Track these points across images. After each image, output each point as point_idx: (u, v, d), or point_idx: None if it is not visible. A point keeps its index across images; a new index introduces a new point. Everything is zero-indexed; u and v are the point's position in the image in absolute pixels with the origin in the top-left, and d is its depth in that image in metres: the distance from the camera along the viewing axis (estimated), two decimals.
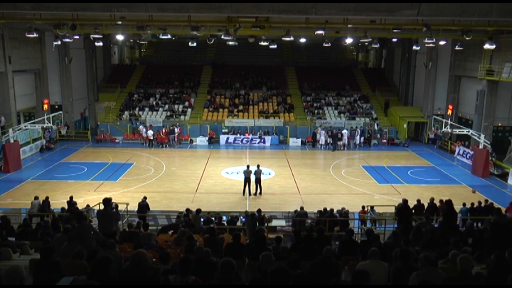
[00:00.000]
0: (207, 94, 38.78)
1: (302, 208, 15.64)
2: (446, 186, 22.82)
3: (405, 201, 14.17)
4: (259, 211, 14.65)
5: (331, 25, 21.06)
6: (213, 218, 14.83)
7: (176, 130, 32.22)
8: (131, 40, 45.16)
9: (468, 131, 26.54)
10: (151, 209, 16.37)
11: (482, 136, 25.58)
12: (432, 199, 16.29)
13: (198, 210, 13.86)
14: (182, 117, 35.38)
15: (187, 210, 14.51)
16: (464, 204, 16.37)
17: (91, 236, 8.87)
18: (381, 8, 16.65)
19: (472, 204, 16.12)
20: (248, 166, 21.11)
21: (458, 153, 29.56)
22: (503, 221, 10.22)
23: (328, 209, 15.32)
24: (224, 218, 15.42)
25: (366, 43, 35.75)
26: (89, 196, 19.87)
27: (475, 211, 15.86)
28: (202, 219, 13.80)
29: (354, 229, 13.97)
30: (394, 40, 36.19)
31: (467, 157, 28.08)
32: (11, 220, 12.65)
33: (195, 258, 6.22)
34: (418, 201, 16.38)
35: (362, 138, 32.53)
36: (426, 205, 16.07)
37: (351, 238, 9.32)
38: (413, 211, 15.88)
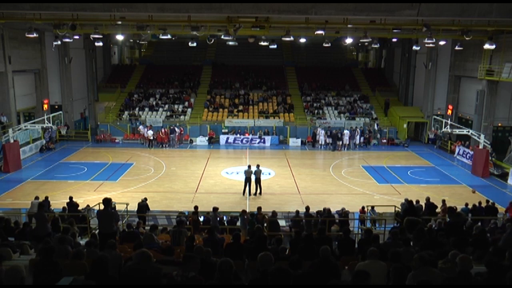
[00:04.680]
0: (207, 94, 38.78)
1: (307, 209, 15.24)
2: (446, 186, 22.82)
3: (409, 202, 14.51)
4: (259, 208, 14.69)
5: (331, 25, 21.05)
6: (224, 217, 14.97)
7: (177, 130, 32.24)
8: (131, 40, 45.17)
9: (468, 131, 26.54)
10: (151, 209, 16.37)
11: (482, 136, 25.58)
12: (428, 199, 16.32)
13: (215, 208, 13.87)
14: (182, 117, 35.38)
15: (195, 207, 14.67)
16: (466, 204, 16.38)
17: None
18: (381, 8, 16.68)
19: (474, 205, 16.13)
20: (249, 166, 21.10)
21: (458, 153, 29.56)
22: (458, 220, 10.82)
23: (327, 209, 15.26)
24: (224, 218, 15.44)
25: (366, 43, 35.71)
26: (89, 196, 19.86)
27: (475, 212, 15.85)
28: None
29: (353, 229, 14.07)
30: (394, 40, 36.20)
31: (467, 157, 28.08)
32: (11, 220, 12.68)
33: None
34: (417, 201, 16.37)
35: (362, 138, 32.53)
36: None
37: (348, 236, 9.36)
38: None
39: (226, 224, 14.84)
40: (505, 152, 27.45)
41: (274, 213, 14.67)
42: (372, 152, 31.21)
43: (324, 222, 13.22)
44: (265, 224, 13.41)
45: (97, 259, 5.31)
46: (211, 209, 14.47)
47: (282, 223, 16.15)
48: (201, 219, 14.69)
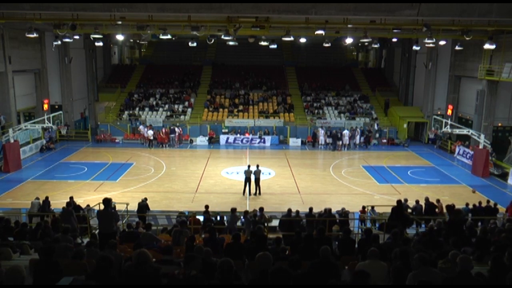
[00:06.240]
0: (207, 94, 38.79)
1: (311, 210, 14.89)
2: (446, 186, 22.82)
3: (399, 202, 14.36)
4: (261, 209, 14.64)
5: (331, 25, 21.05)
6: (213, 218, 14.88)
7: (177, 130, 32.24)
8: (131, 40, 45.18)
9: (468, 131, 26.54)
10: (151, 209, 16.36)
11: (482, 136, 25.57)
12: (427, 199, 16.32)
13: (233, 209, 13.87)
14: (182, 117, 35.38)
15: (206, 207, 14.86)
16: (467, 204, 16.38)
17: None
18: (381, 8, 16.66)
19: (474, 204, 16.14)
20: (249, 166, 21.12)
21: (458, 153, 29.56)
22: (458, 217, 10.94)
23: (328, 209, 15.21)
24: (224, 218, 15.43)
25: (366, 43, 35.75)
26: (89, 196, 19.86)
27: (475, 211, 15.85)
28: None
29: (353, 229, 14.06)
30: (394, 40, 36.16)
31: (467, 157, 28.08)
32: (11, 220, 12.69)
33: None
34: (417, 201, 16.40)
35: (362, 138, 32.53)
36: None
37: (348, 237, 9.36)
38: (413, 212, 15.97)
39: (226, 224, 14.82)
40: (505, 152, 27.44)
41: (297, 212, 14.45)
42: (372, 152, 31.21)
43: (324, 222, 13.22)
44: (266, 224, 13.44)
45: (101, 259, 5.29)
46: (214, 209, 14.45)
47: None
48: (201, 218, 14.71)
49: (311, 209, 14.80)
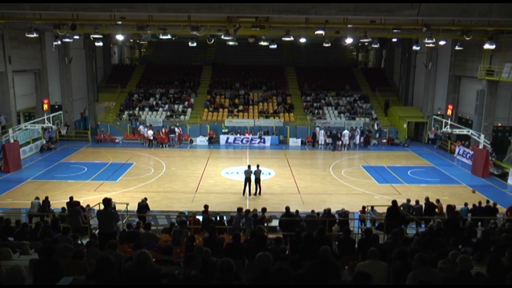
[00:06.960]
0: (207, 94, 38.80)
1: (313, 211, 15.21)
2: (446, 186, 22.82)
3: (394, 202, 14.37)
4: (263, 209, 14.66)
5: (331, 25, 21.06)
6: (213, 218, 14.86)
7: (177, 130, 32.25)
8: (131, 40, 45.18)
9: (468, 131, 26.54)
10: (151, 209, 16.36)
11: (482, 136, 25.57)
12: (427, 199, 16.32)
13: (239, 209, 13.92)
14: (182, 117, 35.39)
15: (205, 207, 14.80)
16: (465, 204, 16.38)
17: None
18: (381, 8, 16.68)
19: (474, 204, 16.14)
20: (249, 166, 21.11)
21: (458, 153, 29.56)
22: (456, 218, 11.13)
23: (327, 210, 15.23)
24: (224, 218, 15.43)
25: (366, 43, 35.70)
26: (89, 196, 19.86)
27: (475, 211, 15.85)
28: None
29: (353, 229, 14.06)
30: (394, 40, 36.18)
31: (467, 157, 28.08)
32: (11, 220, 12.69)
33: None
34: (417, 201, 16.40)
35: (362, 138, 32.53)
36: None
37: (348, 237, 9.37)
38: (413, 212, 15.98)
39: (226, 224, 14.84)
40: (505, 152, 27.44)
41: (297, 212, 14.74)
42: (372, 152, 31.21)
43: (324, 222, 13.22)
44: (266, 224, 13.43)
45: (101, 259, 5.29)
46: (214, 209, 14.44)
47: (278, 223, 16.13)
48: (201, 218, 14.69)
49: (313, 211, 14.85)
